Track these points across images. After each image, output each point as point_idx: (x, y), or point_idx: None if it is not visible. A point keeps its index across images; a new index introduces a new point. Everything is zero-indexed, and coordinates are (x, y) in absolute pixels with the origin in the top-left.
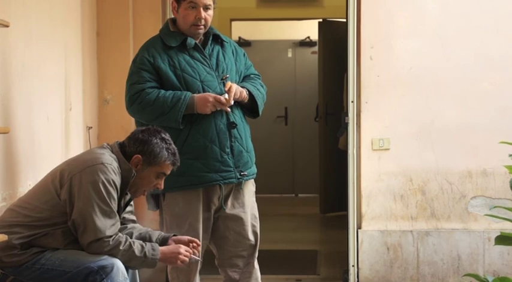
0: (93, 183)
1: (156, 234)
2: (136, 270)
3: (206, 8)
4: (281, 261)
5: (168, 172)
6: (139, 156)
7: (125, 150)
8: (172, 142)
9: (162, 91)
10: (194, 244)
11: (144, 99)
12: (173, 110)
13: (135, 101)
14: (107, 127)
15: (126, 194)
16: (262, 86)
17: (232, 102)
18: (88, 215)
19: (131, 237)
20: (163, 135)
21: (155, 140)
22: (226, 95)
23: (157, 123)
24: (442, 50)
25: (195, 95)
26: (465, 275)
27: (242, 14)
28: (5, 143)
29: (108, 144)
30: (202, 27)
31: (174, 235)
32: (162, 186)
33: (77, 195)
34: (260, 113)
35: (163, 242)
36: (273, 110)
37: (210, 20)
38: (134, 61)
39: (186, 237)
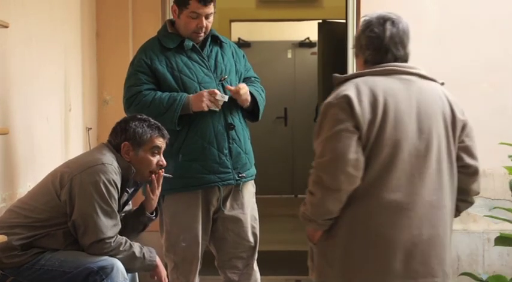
0: (94, 183)
1: (133, 210)
2: (136, 273)
3: (207, 16)
4: (280, 262)
5: (162, 145)
6: (126, 143)
7: (113, 146)
8: (150, 118)
9: (159, 93)
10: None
11: (140, 101)
12: (169, 111)
13: (132, 103)
14: (106, 128)
15: (126, 192)
16: (262, 91)
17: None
18: (89, 215)
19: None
20: (139, 117)
21: (133, 123)
22: (222, 94)
23: None
24: (441, 51)
25: (190, 96)
26: (461, 274)
27: (242, 15)
28: (4, 144)
29: (104, 144)
30: (202, 34)
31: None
32: (165, 162)
33: (78, 196)
34: (260, 118)
35: (139, 209)
36: (273, 110)
37: (210, 26)
38: (132, 63)
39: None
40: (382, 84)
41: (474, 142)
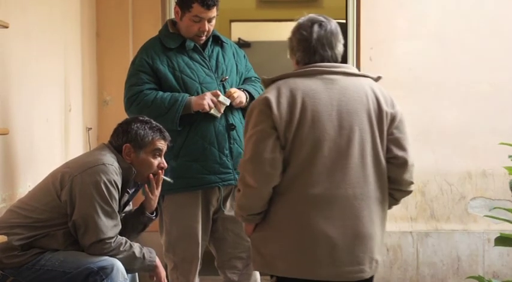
0: (95, 184)
1: (133, 210)
2: (136, 273)
3: (210, 19)
4: None
5: (163, 147)
6: (128, 145)
7: (114, 147)
8: (152, 120)
9: (160, 93)
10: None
11: (142, 100)
12: (170, 111)
13: (133, 102)
14: (106, 128)
15: (127, 193)
16: (262, 90)
17: (228, 102)
18: (90, 216)
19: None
20: (141, 118)
21: (135, 125)
22: (225, 98)
23: None
24: (442, 51)
25: (192, 97)
26: (469, 277)
27: (242, 15)
28: (4, 144)
29: (105, 144)
30: (204, 38)
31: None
32: (166, 164)
33: (79, 196)
34: None
35: (139, 209)
36: None
37: (212, 29)
38: (133, 63)
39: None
40: (303, 86)
41: (404, 134)
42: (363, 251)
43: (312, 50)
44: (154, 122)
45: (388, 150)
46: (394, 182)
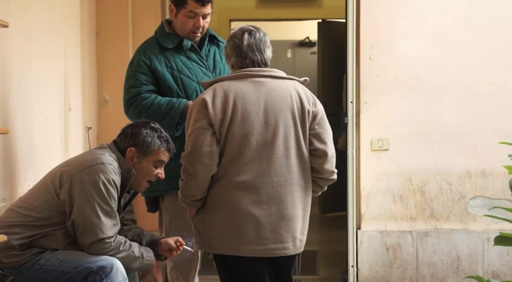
0: (94, 183)
1: (147, 237)
2: (136, 272)
3: (205, 16)
4: None
5: (166, 159)
6: (133, 148)
7: (119, 148)
8: (162, 130)
9: (158, 97)
10: (178, 243)
11: (139, 104)
12: (167, 117)
13: (131, 105)
14: (106, 127)
15: (128, 192)
16: None
17: None
18: (89, 215)
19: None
20: (152, 125)
21: (145, 131)
22: None
23: None
24: (441, 51)
25: (189, 102)
26: (467, 277)
27: (241, 15)
28: (4, 144)
29: (107, 144)
30: (199, 34)
31: (162, 238)
32: (164, 175)
33: (77, 195)
34: None
35: (151, 244)
36: None
37: (207, 26)
38: (131, 64)
39: (173, 240)
40: (235, 87)
41: (325, 129)
42: (286, 230)
43: (244, 55)
44: (164, 132)
45: (310, 143)
46: (316, 171)
